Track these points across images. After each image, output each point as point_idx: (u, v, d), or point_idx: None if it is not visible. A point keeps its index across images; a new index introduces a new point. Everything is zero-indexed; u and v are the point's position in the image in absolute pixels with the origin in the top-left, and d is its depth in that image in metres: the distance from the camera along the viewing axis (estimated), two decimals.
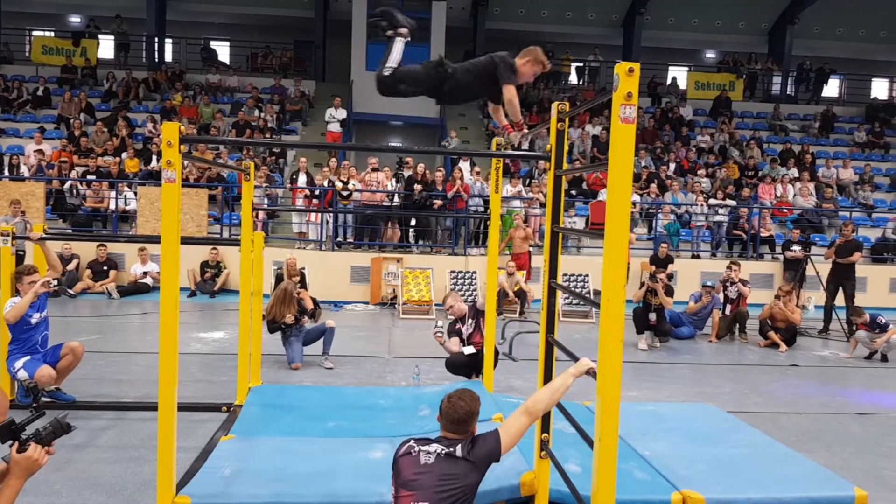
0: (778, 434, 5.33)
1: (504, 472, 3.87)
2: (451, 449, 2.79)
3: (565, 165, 3.77)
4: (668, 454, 4.64)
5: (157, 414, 3.50)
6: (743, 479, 4.27)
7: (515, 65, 3.99)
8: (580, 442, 4.95)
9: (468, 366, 6.37)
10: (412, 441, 2.89)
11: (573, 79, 20.86)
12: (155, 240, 11.45)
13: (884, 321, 8.63)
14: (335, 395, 5.60)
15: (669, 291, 8.99)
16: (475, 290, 10.76)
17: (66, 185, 12.91)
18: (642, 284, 9.00)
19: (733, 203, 13.82)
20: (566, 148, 3.78)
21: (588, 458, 4.76)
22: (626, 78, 2.70)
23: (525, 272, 11.29)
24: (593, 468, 2.87)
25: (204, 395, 5.94)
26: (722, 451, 4.76)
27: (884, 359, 8.49)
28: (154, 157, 14.33)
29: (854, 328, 8.99)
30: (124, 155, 14.32)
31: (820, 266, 10.60)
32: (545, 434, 3.73)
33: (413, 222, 12.38)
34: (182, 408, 5.44)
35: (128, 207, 12.81)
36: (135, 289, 11.51)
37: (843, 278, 10.08)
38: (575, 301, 10.86)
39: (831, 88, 23.16)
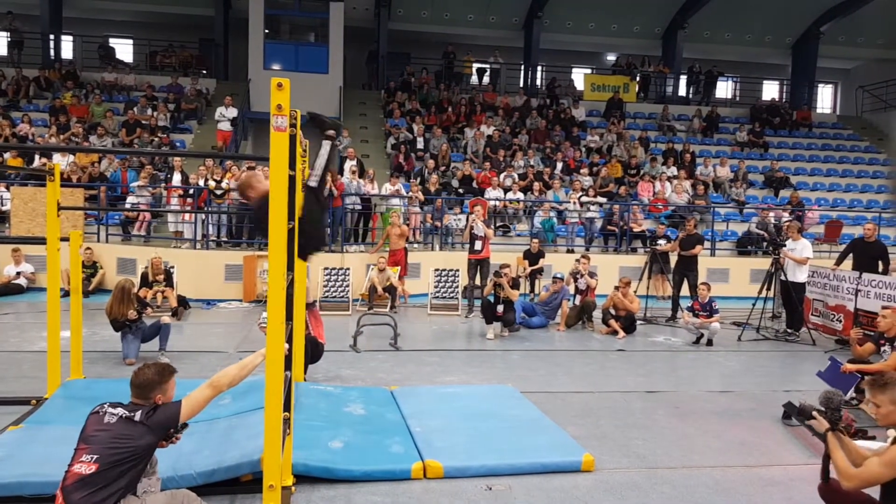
0: (559, 409, 5.86)
1: (251, 450, 4.21)
2: (132, 413, 3.13)
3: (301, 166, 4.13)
4: (437, 429, 5.10)
5: None
6: (489, 448, 4.76)
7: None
8: (357, 422, 5.39)
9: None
10: (106, 404, 3.22)
11: (474, 80, 21.42)
12: (29, 241, 11.34)
13: (716, 307, 9.35)
14: None
15: (515, 285, 9.53)
16: (348, 286, 11.08)
17: None
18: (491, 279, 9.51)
19: (603, 200, 14.58)
20: (299, 149, 4.15)
21: (358, 435, 5.17)
22: (277, 92, 3.09)
23: (400, 268, 11.69)
24: (264, 438, 3.25)
25: (27, 390, 6.05)
26: (489, 425, 5.24)
27: (709, 343, 9.23)
28: (37, 157, 14.14)
29: (691, 308, 9.51)
30: (7, 154, 14.05)
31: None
32: (286, 413, 4.10)
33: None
34: None
35: (3, 208, 12.59)
36: (6, 290, 11.37)
37: (686, 269, 10.83)
38: (444, 294, 11.33)
39: (724, 90, 24.48)
